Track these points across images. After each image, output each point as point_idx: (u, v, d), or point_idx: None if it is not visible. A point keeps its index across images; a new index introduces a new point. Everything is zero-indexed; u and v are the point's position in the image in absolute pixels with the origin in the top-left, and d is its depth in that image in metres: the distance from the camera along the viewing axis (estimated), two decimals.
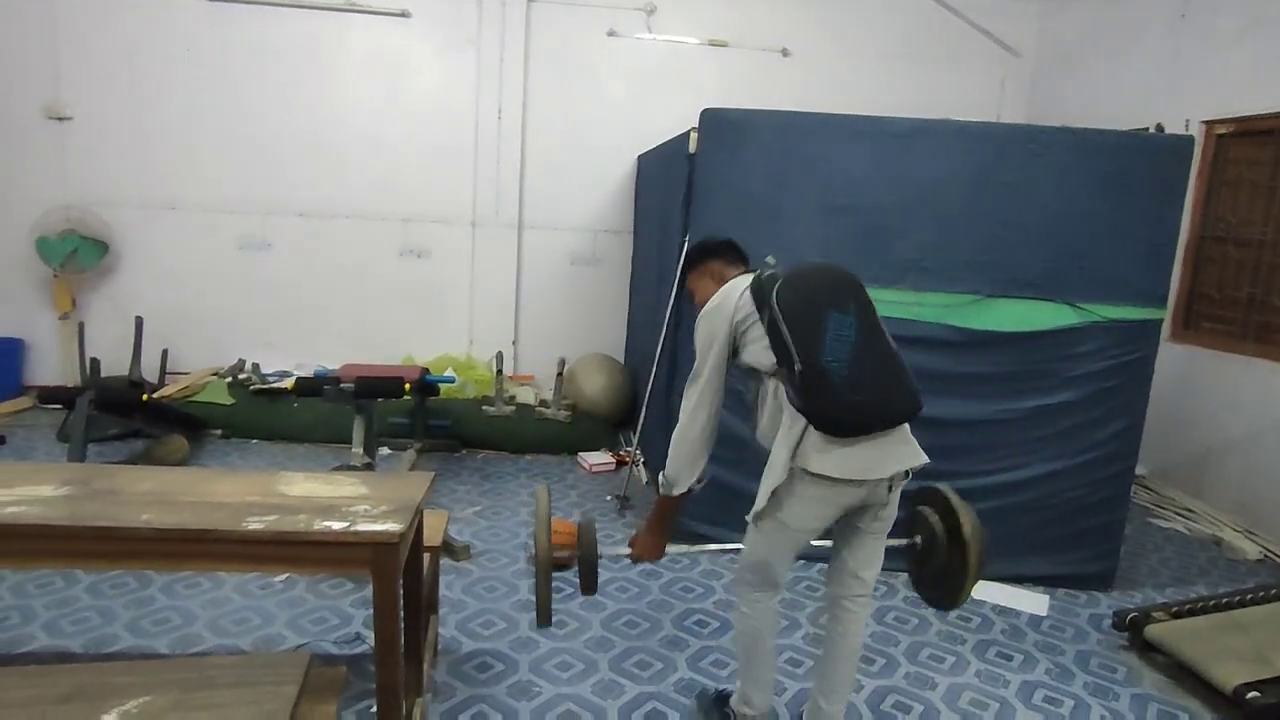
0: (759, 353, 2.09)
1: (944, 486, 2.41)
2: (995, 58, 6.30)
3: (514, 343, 6.02)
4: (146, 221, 5.56)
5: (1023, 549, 3.57)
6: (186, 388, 5.10)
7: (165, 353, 5.41)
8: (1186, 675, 2.84)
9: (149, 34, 5.38)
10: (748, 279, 2.18)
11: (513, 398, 5.38)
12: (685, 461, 2.16)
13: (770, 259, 2.44)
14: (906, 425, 2.13)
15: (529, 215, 5.96)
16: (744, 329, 2.13)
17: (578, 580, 2.36)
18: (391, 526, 1.66)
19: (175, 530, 1.57)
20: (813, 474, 1.98)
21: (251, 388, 5.09)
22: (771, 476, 2.06)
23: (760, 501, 2.09)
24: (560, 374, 5.21)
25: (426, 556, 2.31)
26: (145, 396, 4.03)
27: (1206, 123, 4.71)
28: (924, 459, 2.13)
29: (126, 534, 1.58)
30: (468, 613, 3.01)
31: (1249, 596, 3.15)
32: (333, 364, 5.70)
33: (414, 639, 2.12)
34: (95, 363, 4.85)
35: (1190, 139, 3.35)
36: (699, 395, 2.15)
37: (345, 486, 1.90)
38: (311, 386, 3.59)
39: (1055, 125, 4.21)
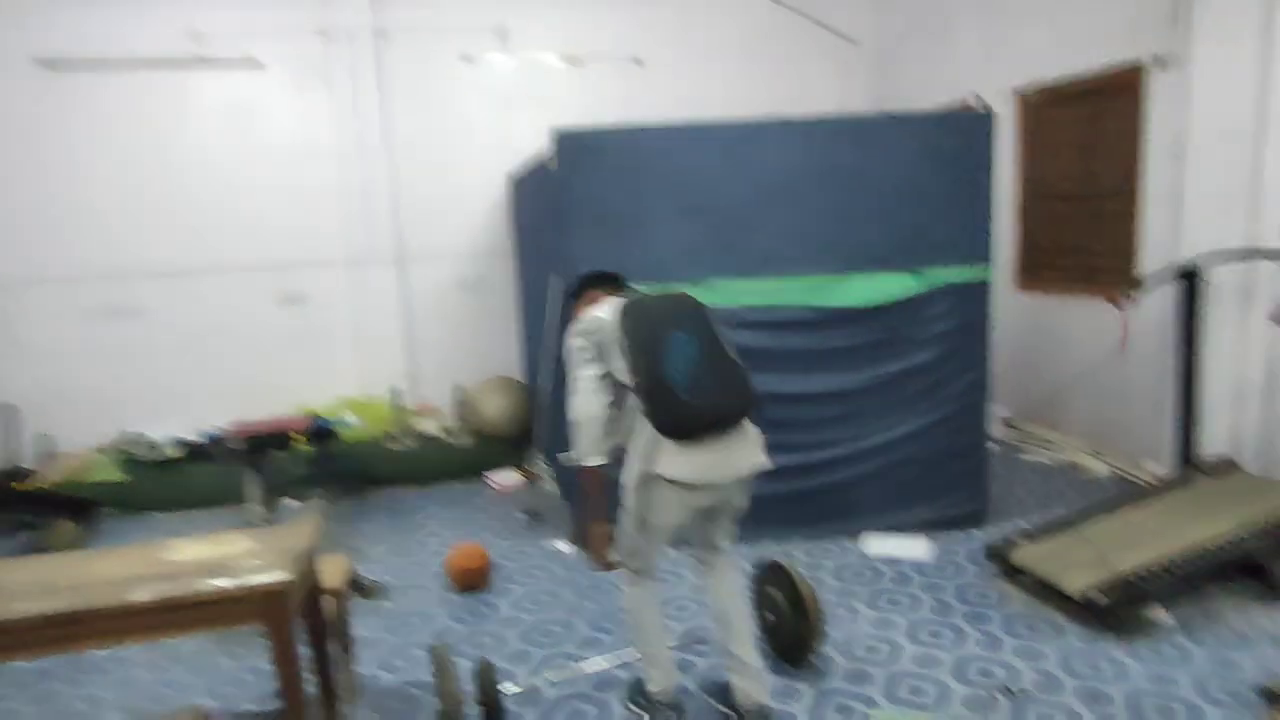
0: (620, 369, 2.29)
1: (784, 561, 2.83)
2: (837, 48, 6.68)
3: (410, 376, 6.02)
4: (5, 300, 5.31)
5: (903, 501, 3.88)
6: (71, 471, 4.91)
7: (42, 437, 5.18)
8: (1046, 590, 3.17)
9: None
10: (619, 301, 2.39)
11: (416, 431, 5.41)
12: (592, 439, 2.30)
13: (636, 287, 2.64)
14: (751, 431, 2.38)
15: (408, 247, 5.98)
16: (606, 346, 2.32)
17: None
18: (279, 576, 1.74)
19: (55, 615, 1.61)
20: (667, 479, 2.21)
21: (141, 460, 4.94)
22: (628, 477, 2.32)
23: (626, 500, 2.35)
24: (458, 400, 5.27)
25: (330, 599, 2.37)
26: (15, 484, 3.87)
27: (1018, 91, 5.17)
28: (765, 463, 2.41)
29: (5, 626, 1.61)
30: (386, 649, 3.07)
31: (1091, 511, 3.53)
32: (225, 423, 5.60)
33: (325, 681, 2.19)
34: None
35: (989, 114, 3.71)
36: (588, 384, 2.32)
37: (231, 545, 1.96)
38: (200, 451, 3.55)
39: (878, 112, 4.54)
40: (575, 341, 2.38)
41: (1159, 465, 4.36)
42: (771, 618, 2.82)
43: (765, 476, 3.72)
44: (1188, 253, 3.94)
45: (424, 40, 5.82)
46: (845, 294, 3.73)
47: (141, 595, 1.66)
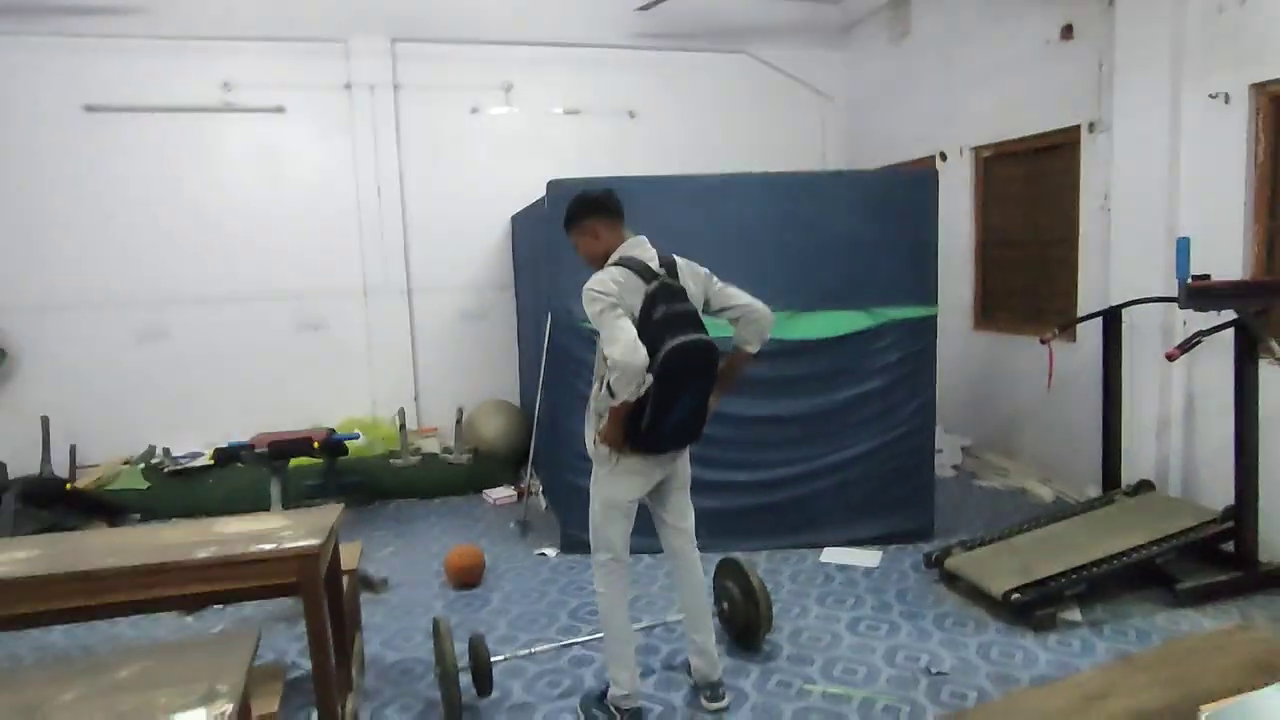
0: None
1: (739, 557, 3.25)
2: (815, 104, 7.25)
3: (415, 399, 6.47)
4: (42, 323, 5.79)
5: (858, 516, 4.30)
6: (99, 479, 5.34)
7: (73, 448, 5.61)
8: (975, 592, 3.57)
9: (29, 141, 5.66)
10: (636, 261, 2.63)
11: (418, 449, 5.84)
12: (631, 386, 2.45)
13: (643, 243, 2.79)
14: None
15: (417, 280, 6.47)
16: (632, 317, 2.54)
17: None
18: (311, 541, 2.17)
19: (140, 566, 2.04)
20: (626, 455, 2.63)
21: (165, 470, 5.37)
22: (594, 453, 2.74)
23: (592, 489, 2.77)
24: (459, 421, 5.71)
25: (345, 578, 2.80)
26: (69, 485, 4.32)
27: (975, 148, 5.69)
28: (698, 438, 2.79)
29: (99, 575, 2.04)
30: (390, 632, 3.48)
31: (1022, 526, 3.95)
32: (243, 438, 6.03)
33: (341, 644, 2.60)
34: (1, 466, 5.05)
35: (933, 172, 4.22)
36: (628, 334, 2.46)
37: (270, 521, 2.39)
38: (230, 455, 4.00)
39: (837, 167, 5.00)
40: (605, 300, 2.52)
41: (1098, 490, 4.77)
42: (726, 606, 3.23)
43: (732, 491, 4.17)
44: (1116, 297, 4.40)
45: (437, 94, 6.38)
46: (804, 328, 4.18)
47: (204, 554, 2.09)
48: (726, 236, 4.13)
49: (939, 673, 3.03)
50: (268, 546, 2.16)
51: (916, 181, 4.19)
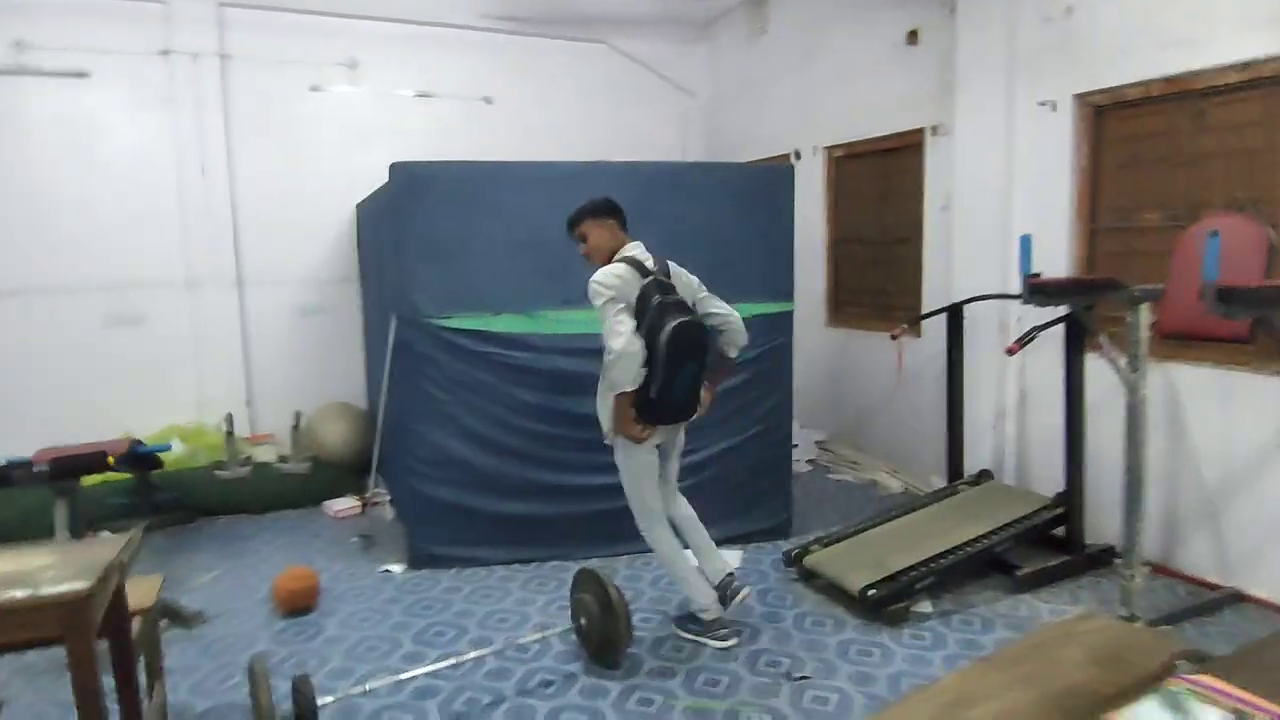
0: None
1: (595, 568, 3.16)
2: (676, 98, 7.20)
3: (247, 403, 5.89)
4: None
5: (716, 515, 4.17)
6: None
7: None
8: (837, 591, 3.58)
9: None
10: (635, 260, 3.05)
11: (248, 458, 5.30)
12: (630, 375, 2.90)
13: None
14: None
15: (248, 271, 5.88)
16: (630, 305, 2.95)
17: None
18: (77, 585, 1.80)
19: None
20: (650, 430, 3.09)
21: None
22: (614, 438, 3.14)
23: (622, 466, 3.17)
24: (296, 426, 5.22)
25: (137, 620, 2.40)
26: None
27: (827, 147, 5.80)
28: (701, 412, 3.27)
29: None
30: (202, 674, 3.06)
31: (874, 520, 4.01)
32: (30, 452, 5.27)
33: (129, 700, 2.21)
34: None
35: (789, 166, 4.22)
36: (629, 329, 2.90)
37: (32, 559, 1.98)
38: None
39: (691, 162, 4.95)
40: (608, 293, 2.92)
41: (941, 480, 4.96)
42: (584, 622, 3.05)
43: (588, 496, 4.01)
44: (958, 294, 4.58)
45: (273, 68, 5.81)
46: None
47: None
48: None
49: (800, 677, 2.99)
50: (19, 594, 1.77)
51: (775, 175, 4.18)
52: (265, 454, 5.53)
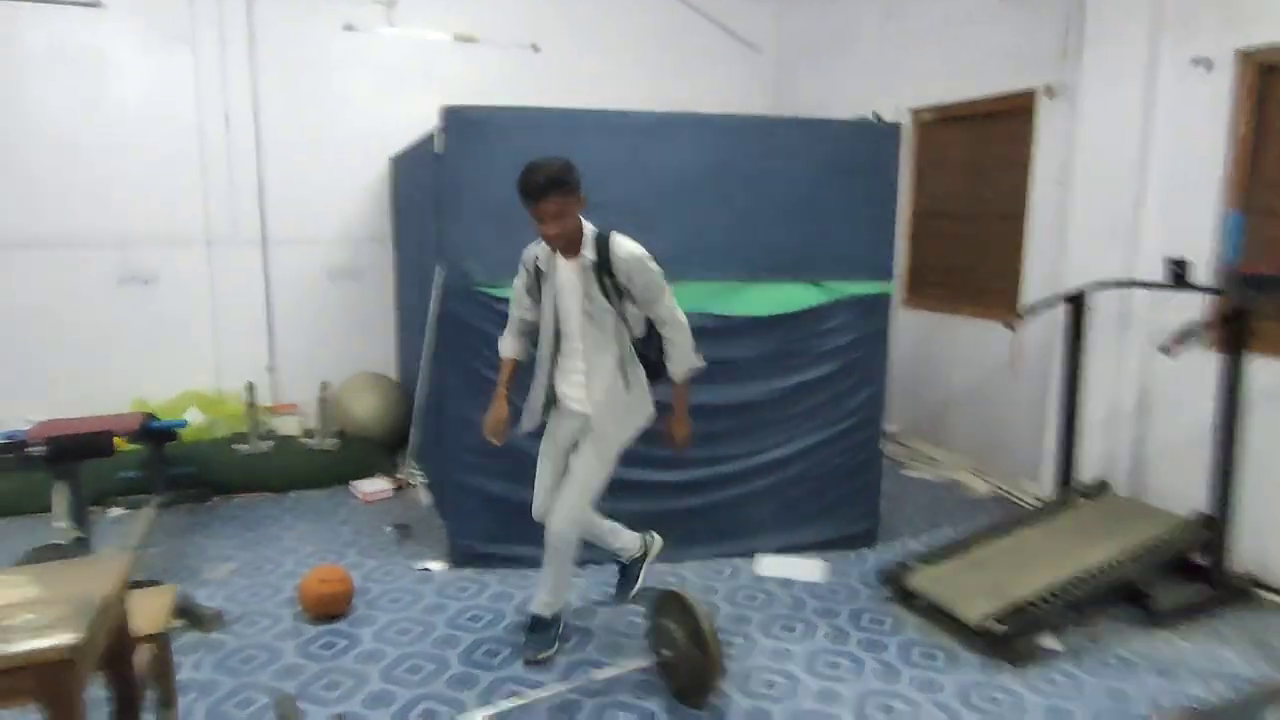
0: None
1: (681, 591, 2.65)
2: (739, 54, 6.60)
3: (270, 370, 5.45)
4: None
5: (796, 520, 3.76)
6: None
7: None
8: (942, 616, 3.11)
9: None
10: None
11: (270, 431, 4.87)
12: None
13: None
14: None
15: (274, 228, 5.41)
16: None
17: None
18: (62, 639, 1.35)
19: None
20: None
21: None
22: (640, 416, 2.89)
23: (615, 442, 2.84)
24: (323, 398, 4.78)
25: (147, 648, 1.96)
26: None
27: (913, 110, 5.22)
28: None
29: None
30: (220, 694, 2.63)
31: (984, 534, 3.52)
32: (42, 419, 4.85)
33: None
34: None
35: (897, 125, 3.67)
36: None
37: (5, 591, 1.53)
38: None
39: (788, 116, 4.43)
40: (658, 268, 2.72)
41: (1036, 485, 4.46)
42: (668, 654, 2.59)
43: (656, 493, 3.54)
44: (1070, 278, 4.04)
45: (303, 4, 5.28)
46: (745, 302, 3.57)
47: None
48: (661, 187, 3.45)
49: None
50: None
51: (882, 135, 3.63)
52: (288, 426, 5.10)
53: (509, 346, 2.93)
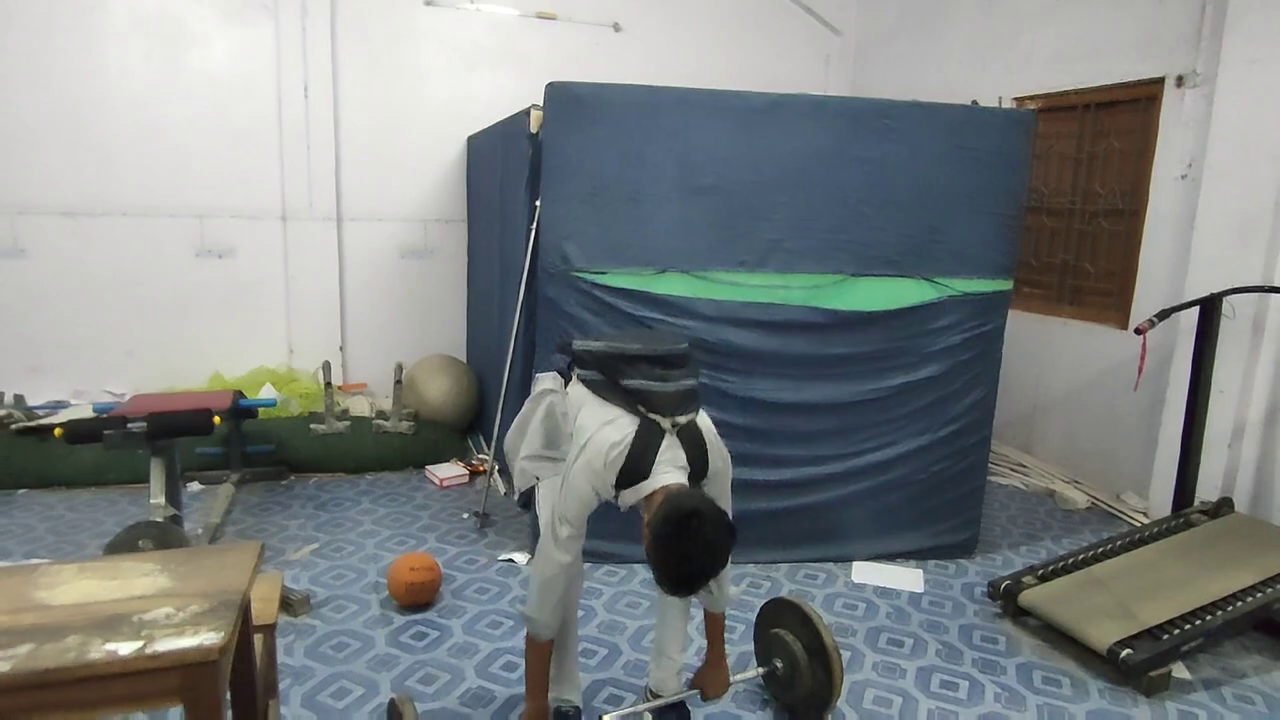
0: None
1: (799, 601, 2.47)
2: (819, 35, 6.37)
3: (341, 349, 5.41)
4: None
5: (895, 526, 3.58)
6: None
7: None
8: (1059, 637, 2.92)
9: None
10: None
11: (345, 411, 4.81)
12: None
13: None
14: None
15: (349, 205, 5.35)
16: None
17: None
18: (209, 639, 1.25)
19: None
20: None
21: (13, 426, 4.20)
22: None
23: None
24: (399, 380, 4.71)
25: (258, 639, 1.87)
26: None
27: (1017, 99, 4.95)
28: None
29: None
30: (314, 682, 2.56)
31: (1101, 550, 3.31)
32: (121, 390, 4.87)
33: None
34: None
35: (1032, 113, 3.44)
36: None
37: (136, 580, 1.44)
38: (86, 430, 2.86)
39: (908, 100, 4.21)
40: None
41: (1140, 499, 4.22)
42: (781, 666, 2.44)
43: (749, 492, 3.38)
44: (1195, 280, 3.78)
45: None
46: (854, 297, 3.38)
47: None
48: (770, 174, 3.27)
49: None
50: (126, 649, 1.22)
51: (1014, 123, 3.40)
52: (357, 406, 5.05)
53: (552, 626, 2.09)
